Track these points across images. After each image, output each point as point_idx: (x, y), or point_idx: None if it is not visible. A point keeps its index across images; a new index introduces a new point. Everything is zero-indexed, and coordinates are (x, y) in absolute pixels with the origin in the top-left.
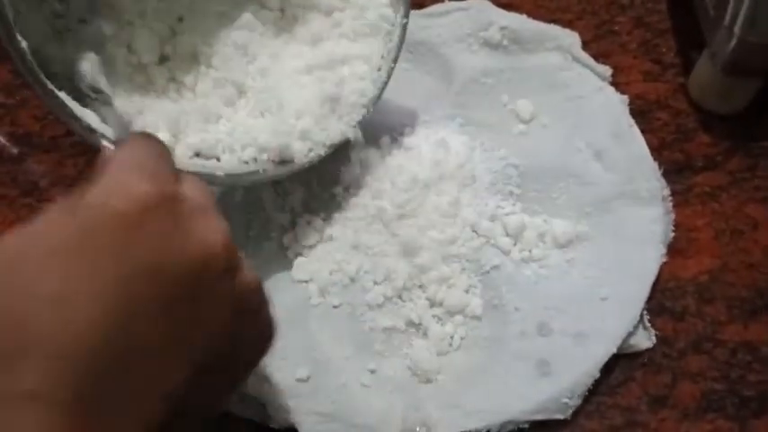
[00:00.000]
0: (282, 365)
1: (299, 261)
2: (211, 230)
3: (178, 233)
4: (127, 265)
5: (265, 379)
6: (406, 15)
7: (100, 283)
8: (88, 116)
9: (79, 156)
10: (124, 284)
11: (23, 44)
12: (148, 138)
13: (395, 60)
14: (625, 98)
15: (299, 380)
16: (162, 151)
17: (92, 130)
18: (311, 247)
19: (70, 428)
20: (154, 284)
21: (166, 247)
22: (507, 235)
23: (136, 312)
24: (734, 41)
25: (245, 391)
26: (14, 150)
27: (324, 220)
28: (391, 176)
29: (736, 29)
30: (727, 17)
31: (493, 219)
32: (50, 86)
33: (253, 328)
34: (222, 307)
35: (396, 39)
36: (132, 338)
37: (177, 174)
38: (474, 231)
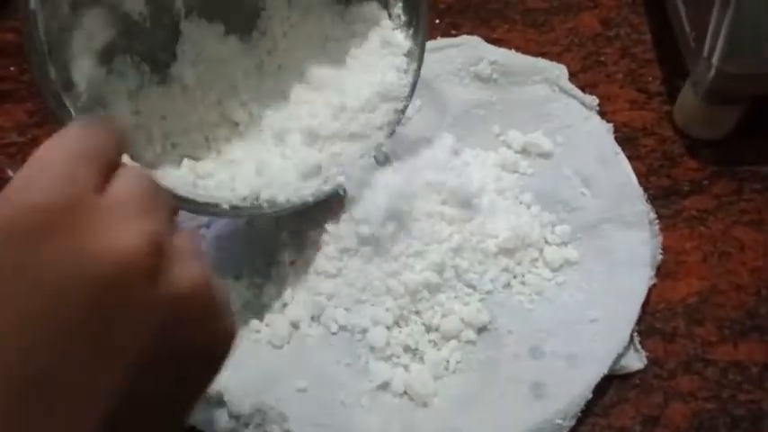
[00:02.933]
0: (281, 376)
1: (298, 292)
2: (126, 233)
3: (86, 241)
4: (26, 281)
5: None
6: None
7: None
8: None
9: None
10: (26, 301)
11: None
12: (84, 128)
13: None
14: (610, 126)
15: (299, 390)
16: (97, 140)
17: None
18: (307, 277)
19: None
20: (60, 298)
21: (70, 257)
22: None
23: (45, 328)
24: (713, 72)
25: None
26: None
27: (318, 250)
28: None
29: (715, 60)
30: (706, 49)
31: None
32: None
33: (198, 339)
34: (148, 315)
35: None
36: (46, 354)
37: (112, 165)
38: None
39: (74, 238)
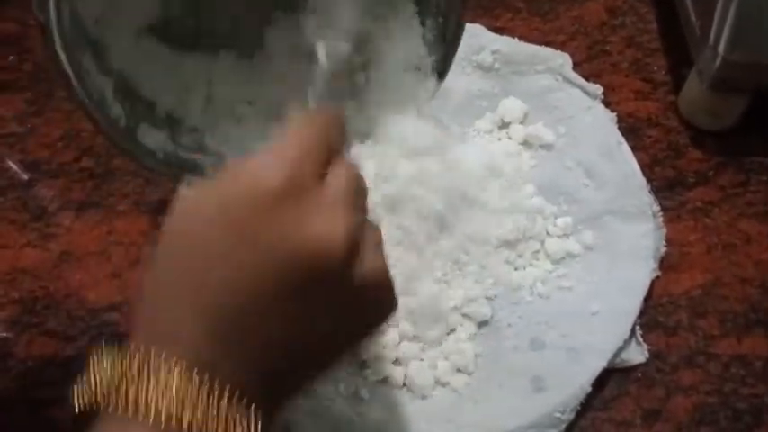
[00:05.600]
0: None
1: None
2: (332, 224)
3: (298, 225)
4: (246, 243)
5: None
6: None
7: (227, 256)
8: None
9: (86, 180)
10: (248, 261)
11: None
12: (312, 124)
13: None
14: (613, 116)
15: None
16: (320, 136)
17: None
18: None
19: (199, 372)
20: (278, 269)
21: (283, 237)
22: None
23: (256, 286)
24: (719, 60)
25: None
26: (25, 176)
27: None
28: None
29: (720, 49)
30: (712, 37)
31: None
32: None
33: (374, 305)
34: (341, 292)
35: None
36: (253, 304)
37: (327, 160)
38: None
39: (293, 221)
